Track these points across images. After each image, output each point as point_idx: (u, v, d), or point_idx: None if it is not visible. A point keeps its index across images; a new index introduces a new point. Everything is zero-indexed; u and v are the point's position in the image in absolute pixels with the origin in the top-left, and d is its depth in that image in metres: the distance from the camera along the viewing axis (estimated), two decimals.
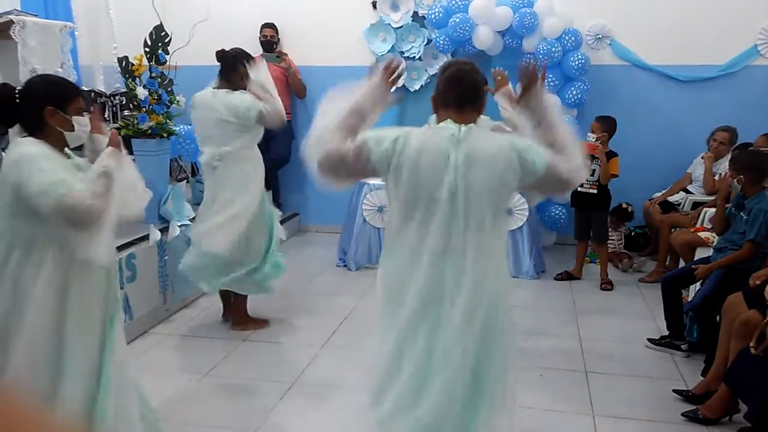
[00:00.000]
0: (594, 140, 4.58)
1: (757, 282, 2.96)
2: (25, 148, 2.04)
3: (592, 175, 4.66)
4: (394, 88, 2.25)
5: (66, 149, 2.16)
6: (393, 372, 1.99)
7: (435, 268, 1.93)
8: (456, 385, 1.93)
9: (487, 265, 1.95)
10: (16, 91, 2.12)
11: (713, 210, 4.41)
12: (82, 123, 2.15)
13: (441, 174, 1.92)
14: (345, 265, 5.19)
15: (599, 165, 4.62)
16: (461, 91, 2.03)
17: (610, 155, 4.62)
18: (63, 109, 2.11)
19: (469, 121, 2.01)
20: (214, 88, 3.75)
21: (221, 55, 3.76)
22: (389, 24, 5.72)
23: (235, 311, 3.95)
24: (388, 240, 2.10)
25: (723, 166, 4.82)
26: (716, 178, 4.82)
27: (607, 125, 4.66)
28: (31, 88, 2.14)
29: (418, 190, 1.94)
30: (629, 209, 5.38)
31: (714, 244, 3.81)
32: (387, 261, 2.09)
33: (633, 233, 5.49)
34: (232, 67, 3.73)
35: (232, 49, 3.81)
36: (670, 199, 5.13)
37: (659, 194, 5.25)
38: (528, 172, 1.94)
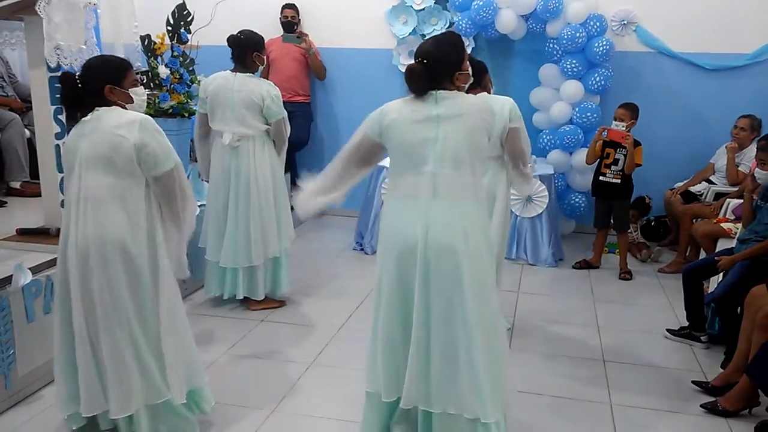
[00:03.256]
0: (623, 128, 4.51)
1: None
2: (134, 113, 2.33)
3: (616, 164, 4.60)
4: None
5: None
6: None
7: (422, 208, 2.20)
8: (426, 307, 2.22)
9: (463, 203, 2.22)
10: (77, 77, 2.31)
11: (736, 201, 4.36)
12: (139, 93, 2.42)
13: (423, 128, 2.19)
14: (362, 249, 5.19)
15: (624, 155, 4.56)
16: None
17: (635, 144, 4.54)
18: (120, 84, 2.36)
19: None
20: (231, 71, 3.81)
21: (232, 40, 3.78)
22: (411, 6, 5.66)
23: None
24: (387, 195, 2.34)
25: (747, 156, 4.76)
26: (740, 168, 4.77)
27: (635, 113, 4.59)
28: (88, 71, 2.36)
29: (407, 144, 2.22)
30: (650, 202, 5.33)
31: (737, 235, 3.76)
32: (386, 212, 2.35)
33: (653, 223, 5.43)
34: (245, 51, 3.77)
35: (240, 32, 3.80)
36: (693, 189, 5.06)
37: (681, 184, 5.19)
38: (501, 119, 2.39)
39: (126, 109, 2.37)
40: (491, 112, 2.29)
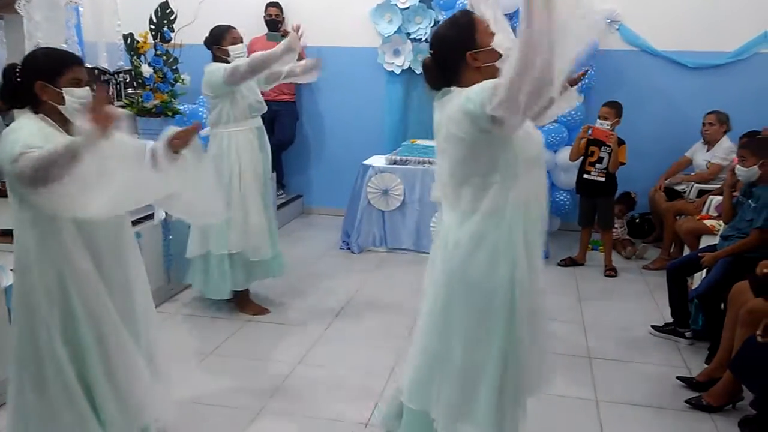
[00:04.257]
0: (608, 127, 4.55)
1: (765, 270, 2.94)
2: (16, 123, 1.98)
3: (600, 162, 4.64)
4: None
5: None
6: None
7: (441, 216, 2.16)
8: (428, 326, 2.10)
9: (460, 213, 2.05)
10: (17, 69, 2.05)
11: (719, 198, 4.40)
12: (75, 94, 2.01)
13: (436, 138, 2.11)
14: (348, 248, 5.18)
15: (608, 153, 4.59)
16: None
17: (619, 143, 4.59)
18: (54, 81, 2.00)
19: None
20: None
21: (204, 42, 3.77)
22: (396, 5, 5.66)
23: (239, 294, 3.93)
24: None
25: (720, 148, 4.86)
26: (714, 161, 4.88)
27: (619, 111, 4.63)
28: (25, 63, 2.06)
29: None
30: (636, 197, 5.38)
31: (720, 232, 3.80)
32: None
33: (637, 220, 5.48)
34: (210, 47, 3.74)
35: (211, 30, 3.78)
36: (676, 186, 5.12)
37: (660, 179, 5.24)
38: (477, 117, 1.82)
39: (59, 111, 2.02)
40: (457, 113, 1.89)
